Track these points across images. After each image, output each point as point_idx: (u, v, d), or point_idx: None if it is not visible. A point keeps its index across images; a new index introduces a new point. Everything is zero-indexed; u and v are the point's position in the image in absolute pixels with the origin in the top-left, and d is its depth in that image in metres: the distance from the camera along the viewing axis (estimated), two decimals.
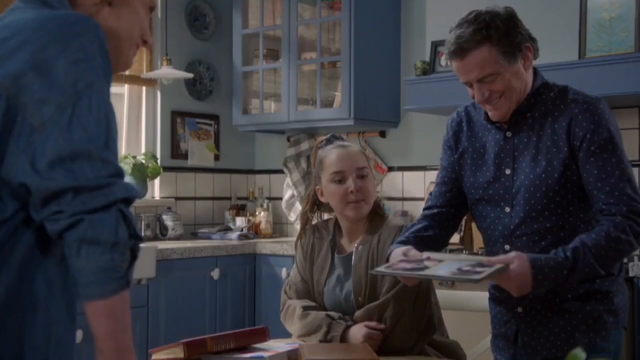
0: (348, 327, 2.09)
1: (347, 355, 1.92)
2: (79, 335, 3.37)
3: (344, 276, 2.22)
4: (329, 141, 2.31)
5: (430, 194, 2.16)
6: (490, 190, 2.00)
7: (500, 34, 1.87)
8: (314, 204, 2.33)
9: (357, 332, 2.05)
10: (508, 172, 1.97)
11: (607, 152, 1.86)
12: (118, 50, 1.34)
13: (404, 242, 2.01)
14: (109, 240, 1.17)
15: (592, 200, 1.89)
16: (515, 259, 1.77)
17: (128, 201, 1.21)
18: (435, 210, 2.09)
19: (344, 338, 2.07)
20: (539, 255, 1.81)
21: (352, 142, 4.21)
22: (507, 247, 1.96)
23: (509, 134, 1.98)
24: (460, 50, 1.88)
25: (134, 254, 1.21)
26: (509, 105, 1.94)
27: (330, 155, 2.25)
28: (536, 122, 1.95)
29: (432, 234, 2.05)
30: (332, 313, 2.15)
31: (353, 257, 2.21)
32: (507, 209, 1.97)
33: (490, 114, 1.98)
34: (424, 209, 2.13)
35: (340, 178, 2.20)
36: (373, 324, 2.07)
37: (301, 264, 2.31)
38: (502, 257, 1.80)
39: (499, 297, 2.02)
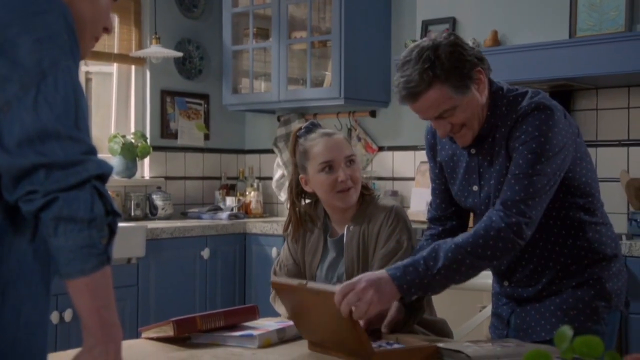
0: None
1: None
2: (69, 314, 3.38)
3: (336, 259, 2.22)
4: (309, 129, 2.26)
5: (430, 204, 2.16)
6: (466, 203, 2.03)
7: (446, 70, 1.81)
8: (299, 194, 2.30)
9: None
10: (475, 189, 1.98)
11: (528, 150, 1.82)
12: (81, 37, 1.29)
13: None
14: (86, 217, 1.16)
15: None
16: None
17: (102, 178, 1.20)
18: (439, 229, 2.10)
19: None
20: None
21: (342, 122, 4.13)
22: None
23: (473, 150, 1.98)
24: (411, 96, 1.84)
25: (112, 230, 1.20)
26: (473, 133, 1.92)
27: (317, 144, 2.21)
28: (496, 140, 1.93)
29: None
30: None
31: (345, 237, 2.21)
32: None
33: (457, 142, 1.97)
34: (429, 220, 2.14)
35: (329, 167, 2.18)
36: None
37: (292, 246, 2.30)
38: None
39: (499, 279, 2.06)
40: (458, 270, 1.79)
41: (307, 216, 2.29)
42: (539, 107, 1.86)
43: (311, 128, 2.26)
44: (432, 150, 2.11)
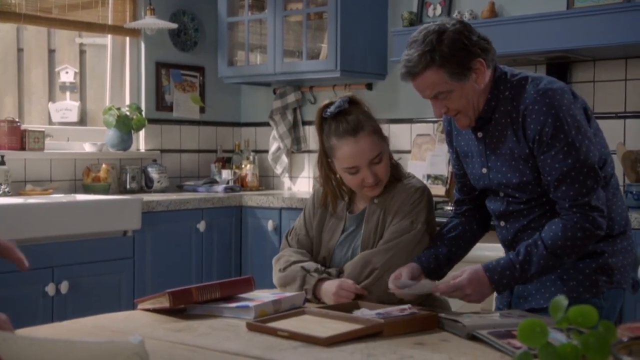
0: (322, 280, 2.09)
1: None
2: (65, 286, 3.38)
3: (354, 231, 2.20)
4: (334, 114, 2.11)
5: (455, 189, 2.26)
6: (479, 185, 2.10)
7: (444, 57, 1.89)
8: (331, 168, 2.20)
9: (330, 287, 2.06)
10: (485, 171, 2.05)
11: (558, 141, 1.87)
12: None
13: (435, 246, 2.11)
14: None
15: (548, 191, 1.93)
16: (466, 271, 1.92)
17: None
18: (464, 208, 2.20)
19: (316, 291, 2.08)
20: (491, 261, 1.95)
21: (338, 94, 4.08)
22: (502, 223, 2.08)
23: (480, 134, 2.03)
24: (409, 74, 1.94)
25: None
26: (469, 119, 1.99)
27: (342, 147, 2.11)
28: (499, 122, 1.98)
29: (456, 233, 2.15)
30: (307, 265, 2.14)
31: (367, 211, 2.19)
32: (501, 194, 2.05)
33: (456, 123, 2.05)
34: (456, 203, 2.23)
35: (354, 172, 2.13)
36: (349, 282, 2.06)
37: (309, 219, 2.28)
38: (456, 281, 1.93)
39: (505, 248, 2.11)
40: (548, 271, 1.94)
41: (341, 188, 2.24)
42: (548, 94, 1.88)
43: (337, 114, 2.13)
44: (449, 137, 2.17)
